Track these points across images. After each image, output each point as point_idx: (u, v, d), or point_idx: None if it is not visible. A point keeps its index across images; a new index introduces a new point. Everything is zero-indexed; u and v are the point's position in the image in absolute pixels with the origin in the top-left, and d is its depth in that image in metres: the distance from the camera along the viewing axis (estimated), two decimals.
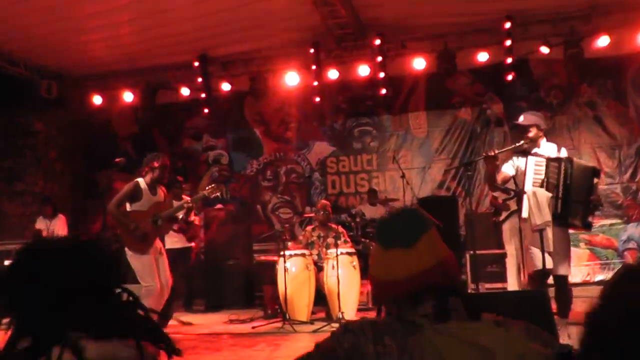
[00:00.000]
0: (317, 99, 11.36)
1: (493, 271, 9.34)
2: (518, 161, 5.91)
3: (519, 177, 5.83)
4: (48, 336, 1.57)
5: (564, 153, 5.89)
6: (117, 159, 8.06)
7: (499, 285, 9.04)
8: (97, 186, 12.88)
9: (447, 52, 10.41)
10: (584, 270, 10.63)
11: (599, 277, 10.62)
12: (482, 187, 11.24)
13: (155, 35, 10.15)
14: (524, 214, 5.59)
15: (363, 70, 10.92)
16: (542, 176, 5.65)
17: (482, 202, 11.29)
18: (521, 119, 6.07)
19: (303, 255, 8.43)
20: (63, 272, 1.65)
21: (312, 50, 10.68)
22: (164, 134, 13.28)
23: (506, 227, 7.48)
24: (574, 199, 5.55)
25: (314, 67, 10.74)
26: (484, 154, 5.98)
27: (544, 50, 10.02)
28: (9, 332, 1.62)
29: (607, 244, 10.84)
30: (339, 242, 8.67)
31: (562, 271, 5.60)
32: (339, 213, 11.01)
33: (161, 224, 6.95)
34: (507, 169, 5.97)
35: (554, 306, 4.79)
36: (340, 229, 9.25)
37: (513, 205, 6.23)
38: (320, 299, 8.56)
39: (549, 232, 5.45)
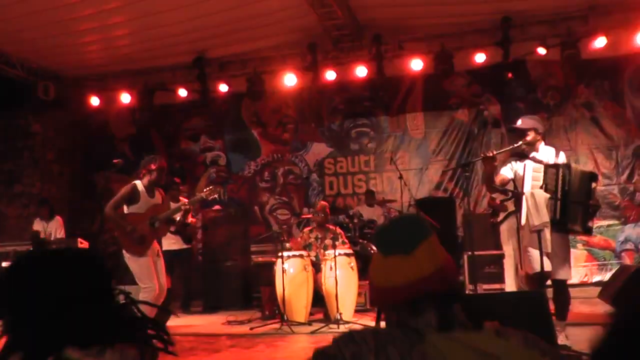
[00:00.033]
0: (315, 100, 11.36)
1: (491, 272, 9.34)
2: (516, 165, 5.91)
3: (517, 182, 5.84)
4: (42, 349, 1.56)
5: (562, 157, 5.89)
6: (114, 160, 8.06)
7: (497, 286, 9.04)
8: (95, 187, 12.89)
9: (444, 53, 10.40)
10: (582, 271, 10.64)
11: (597, 278, 10.63)
12: (479, 188, 11.26)
13: (153, 36, 10.15)
14: (523, 221, 5.60)
15: (360, 72, 10.91)
16: (540, 182, 5.66)
17: (479, 203, 11.30)
18: (519, 122, 6.07)
19: (301, 256, 8.43)
20: (58, 280, 1.65)
21: (309, 52, 10.68)
22: (161, 135, 13.29)
23: (504, 228, 7.46)
24: (573, 204, 5.55)
25: (310, 68, 10.73)
26: (482, 155, 5.97)
27: (541, 51, 10.03)
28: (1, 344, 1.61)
29: (605, 245, 10.86)
30: (336, 243, 8.67)
31: (561, 275, 5.61)
32: (336, 214, 11.02)
33: (158, 226, 6.94)
34: (506, 171, 5.97)
35: (552, 307, 4.79)
36: (338, 230, 9.25)
37: (511, 206, 6.23)
38: (318, 300, 8.57)
39: (547, 233, 5.46)
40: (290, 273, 8.23)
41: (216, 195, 7.38)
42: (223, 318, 8.95)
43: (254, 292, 10.37)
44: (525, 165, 5.80)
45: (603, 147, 11.11)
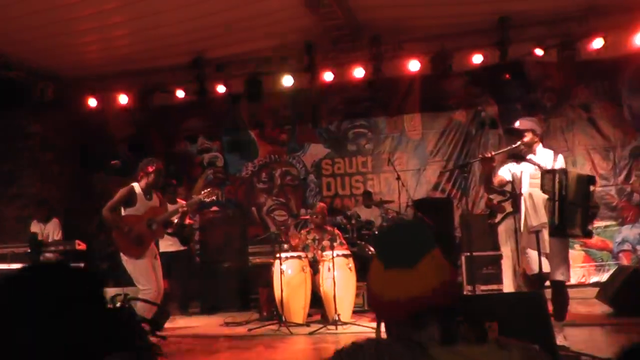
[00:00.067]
0: (313, 101, 11.37)
1: (489, 273, 9.35)
2: (514, 168, 5.92)
3: (515, 183, 5.84)
4: None
5: (560, 160, 5.89)
6: (112, 161, 8.08)
7: (495, 287, 9.05)
8: (94, 188, 12.86)
9: (442, 53, 10.41)
10: (579, 272, 10.65)
11: (594, 279, 10.65)
12: (477, 189, 11.27)
13: (151, 37, 10.13)
14: (522, 222, 5.61)
15: (358, 72, 10.91)
16: (538, 184, 5.66)
17: (477, 204, 11.31)
18: (517, 123, 6.08)
19: (299, 257, 8.43)
20: (44, 301, 1.58)
21: (307, 53, 10.68)
22: (159, 136, 13.27)
23: (502, 229, 7.48)
24: (571, 209, 5.55)
25: (308, 69, 10.73)
26: (481, 156, 5.98)
27: (539, 52, 10.04)
28: None
29: (602, 246, 10.87)
30: (334, 244, 8.67)
31: (559, 276, 5.61)
32: (334, 215, 11.02)
33: (156, 228, 6.94)
34: (504, 173, 5.98)
35: (550, 307, 4.80)
36: (336, 231, 9.26)
37: (508, 207, 6.23)
38: (316, 301, 8.57)
39: (545, 234, 5.46)
40: (288, 274, 8.23)
41: (214, 197, 7.38)
42: (221, 319, 8.95)
43: (251, 294, 10.35)
44: (522, 173, 5.81)
45: (600, 148, 11.12)
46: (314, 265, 8.71)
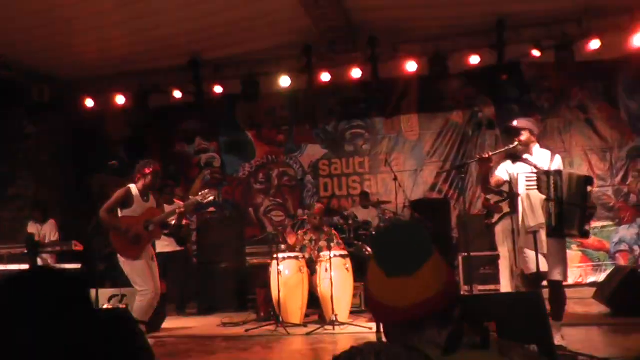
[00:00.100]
0: (310, 102, 11.38)
1: (486, 273, 9.36)
2: (511, 169, 5.92)
3: (513, 183, 5.84)
4: None
5: (557, 160, 5.89)
6: (110, 162, 8.06)
7: (492, 287, 9.06)
8: (90, 189, 12.84)
9: (438, 55, 10.41)
10: (576, 272, 10.67)
11: (591, 279, 10.68)
12: (474, 190, 11.28)
13: (148, 38, 10.13)
14: (520, 222, 5.62)
15: (355, 73, 10.91)
16: (534, 184, 5.66)
17: (474, 205, 11.33)
18: (514, 123, 6.09)
19: (296, 258, 8.43)
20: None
21: (304, 54, 10.68)
22: (156, 137, 13.27)
23: (499, 229, 7.49)
24: (568, 210, 5.56)
25: (305, 70, 10.73)
26: (478, 157, 5.99)
27: (536, 53, 10.05)
28: None
29: (599, 246, 10.90)
30: (332, 244, 8.67)
31: (557, 276, 5.62)
32: (331, 216, 11.02)
33: (152, 229, 6.94)
34: (501, 173, 5.98)
35: (547, 307, 4.81)
36: (333, 231, 9.26)
37: (506, 208, 6.23)
38: (314, 301, 8.57)
39: (543, 234, 5.47)
40: (285, 275, 8.23)
41: (212, 198, 7.36)
42: (218, 320, 8.95)
43: (248, 294, 10.36)
44: (518, 175, 5.81)
45: (597, 149, 11.15)
46: (311, 265, 8.71)
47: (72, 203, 12.45)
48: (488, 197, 7.80)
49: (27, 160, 12.17)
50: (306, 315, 8.54)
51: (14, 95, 11.30)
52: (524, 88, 11.45)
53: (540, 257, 5.39)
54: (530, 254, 5.48)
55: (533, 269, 5.42)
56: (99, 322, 1.65)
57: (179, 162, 13.13)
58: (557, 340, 5.21)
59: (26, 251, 9.28)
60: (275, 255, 8.37)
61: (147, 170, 6.94)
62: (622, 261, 10.76)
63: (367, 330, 7.33)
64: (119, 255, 6.83)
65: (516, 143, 5.89)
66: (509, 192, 5.87)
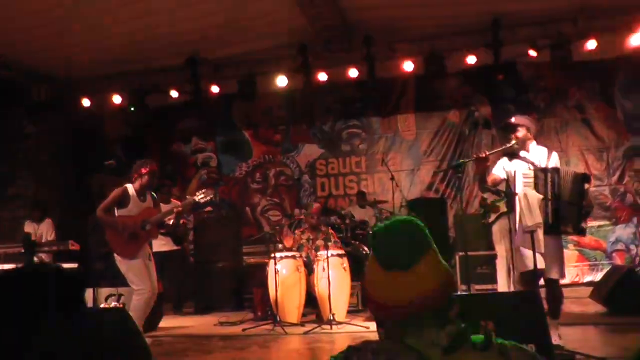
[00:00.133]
0: (306, 102, 11.39)
1: (483, 273, 9.36)
2: (508, 166, 5.92)
3: (510, 181, 5.85)
4: None
5: (555, 158, 5.90)
6: (108, 162, 8.06)
7: (489, 286, 9.07)
8: (89, 189, 12.82)
9: (435, 55, 10.41)
10: (573, 272, 10.69)
11: (588, 279, 10.70)
12: (471, 189, 11.30)
13: (145, 38, 10.12)
14: (517, 222, 5.62)
15: (352, 73, 10.91)
16: (532, 183, 5.67)
17: (471, 204, 11.33)
18: (512, 119, 6.10)
19: (294, 257, 8.43)
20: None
21: (300, 54, 10.68)
22: (154, 137, 13.27)
23: (496, 229, 7.52)
24: (565, 207, 5.56)
25: (302, 70, 10.72)
26: (475, 156, 5.99)
27: (532, 53, 10.06)
28: None
29: (596, 246, 10.92)
30: (329, 244, 8.67)
31: (554, 275, 5.62)
32: (328, 215, 11.02)
33: (150, 228, 6.93)
34: (498, 171, 5.98)
35: (545, 306, 4.82)
36: (330, 230, 9.26)
37: (503, 207, 6.24)
38: (311, 301, 8.56)
39: (540, 234, 5.47)
40: (283, 274, 8.23)
41: (209, 198, 7.35)
42: (215, 319, 8.94)
43: (245, 294, 10.36)
44: (515, 172, 5.81)
45: (594, 149, 11.18)
46: (309, 265, 8.71)
47: (71, 203, 12.43)
48: (485, 196, 7.82)
49: (27, 160, 12.16)
50: (304, 315, 8.54)
51: (13, 95, 11.29)
52: (520, 88, 11.47)
53: (538, 255, 5.39)
54: (528, 252, 5.48)
55: (530, 265, 5.43)
56: (89, 320, 1.64)
57: (176, 162, 13.13)
58: (555, 340, 5.22)
59: (23, 251, 9.27)
60: (272, 255, 8.36)
61: (144, 171, 6.95)
62: (619, 261, 10.78)
63: (364, 329, 7.34)
64: (116, 255, 6.82)
65: (513, 142, 5.89)
66: (507, 192, 5.87)
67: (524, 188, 5.64)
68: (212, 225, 11.74)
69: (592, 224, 10.62)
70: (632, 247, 10.87)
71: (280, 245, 9.04)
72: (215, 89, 11.56)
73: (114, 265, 6.90)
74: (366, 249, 9.39)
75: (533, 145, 5.96)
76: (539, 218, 5.46)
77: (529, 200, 5.51)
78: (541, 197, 5.51)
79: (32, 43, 10.03)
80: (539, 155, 5.90)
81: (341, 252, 8.57)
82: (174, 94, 11.64)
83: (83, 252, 9.41)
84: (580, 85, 11.31)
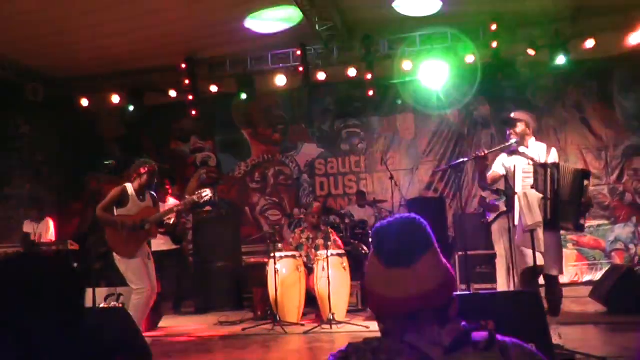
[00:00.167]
0: (305, 101, 11.40)
1: (482, 272, 9.36)
2: (508, 162, 5.93)
3: (510, 177, 5.85)
4: None
5: (554, 154, 5.91)
6: (106, 162, 8.04)
7: (489, 285, 9.05)
8: (85, 189, 12.84)
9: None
10: (572, 271, 10.71)
11: (587, 278, 10.71)
12: (469, 188, 11.30)
13: (143, 37, 10.11)
14: (516, 222, 5.62)
15: (350, 72, 10.91)
16: (531, 179, 5.68)
17: (470, 203, 11.33)
18: (512, 114, 6.11)
19: (293, 257, 8.42)
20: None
21: (299, 52, 10.69)
22: (151, 136, 13.27)
23: (495, 228, 7.50)
24: (564, 203, 5.57)
25: (301, 68, 10.73)
26: (474, 155, 5.99)
27: (531, 52, 10.06)
28: None
29: (595, 245, 10.93)
30: (329, 243, 8.66)
31: (553, 271, 5.64)
32: (327, 215, 11.02)
33: (149, 227, 6.93)
34: (497, 167, 5.99)
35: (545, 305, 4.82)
36: (330, 229, 9.25)
37: (502, 206, 6.24)
38: (310, 300, 8.56)
39: (540, 233, 5.48)
40: (282, 273, 8.22)
41: (208, 198, 7.33)
42: (215, 319, 8.93)
43: (245, 293, 10.35)
44: (515, 167, 5.82)
45: (593, 148, 11.19)
46: (307, 264, 8.71)
47: (67, 202, 12.43)
48: (484, 195, 7.82)
49: (22, 159, 12.16)
50: (303, 314, 8.53)
51: (8, 94, 11.27)
52: (519, 87, 11.46)
53: (538, 254, 5.40)
54: (528, 251, 5.49)
55: (530, 262, 5.44)
56: (89, 320, 1.65)
57: (174, 161, 13.11)
58: (554, 339, 5.21)
59: (22, 250, 9.27)
60: (272, 254, 8.36)
61: (143, 170, 6.96)
62: (617, 260, 10.79)
63: (364, 329, 7.33)
64: (114, 253, 6.82)
65: (512, 141, 5.90)
66: (506, 190, 5.88)
67: (523, 184, 5.64)
68: (211, 224, 11.72)
69: (590, 223, 10.65)
70: (631, 246, 10.88)
71: (279, 245, 9.04)
72: (213, 88, 11.56)
73: (113, 265, 6.90)
74: (365, 248, 9.39)
75: (532, 141, 5.98)
76: (539, 217, 5.46)
77: (528, 200, 5.52)
78: (541, 196, 5.52)
79: (27, 42, 10.03)
80: (538, 150, 5.92)
81: (341, 251, 8.56)
82: (172, 93, 11.63)
83: (81, 252, 9.42)
84: (579, 85, 11.32)
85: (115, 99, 11.85)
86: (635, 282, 7.66)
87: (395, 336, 1.70)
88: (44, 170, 12.44)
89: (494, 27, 9.91)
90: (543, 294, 5.32)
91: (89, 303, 7.69)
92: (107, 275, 8.57)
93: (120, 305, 7.62)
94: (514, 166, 5.80)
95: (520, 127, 5.91)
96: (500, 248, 7.48)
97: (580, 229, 5.82)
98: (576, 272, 10.83)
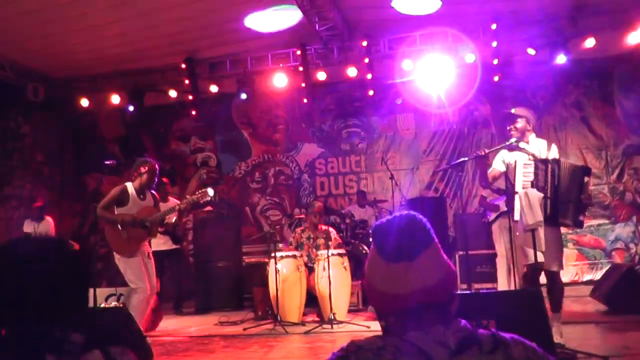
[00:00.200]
0: (305, 101, 11.39)
1: (483, 271, 9.36)
2: (508, 158, 5.92)
3: (510, 174, 5.84)
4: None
5: (554, 150, 5.90)
6: (107, 161, 8.05)
7: (490, 285, 9.06)
8: (85, 189, 12.84)
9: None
10: (572, 270, 10.71)
11: (587, 277, 10.70)
12: (470, 188, 11.30)
13: (143, 37, 10.12)
14: (516, 217, 5.61)
15: (351, 72, 10.91)
16: (531, 176, 5.67)
17: (470, 203, 11.33)
18: (513, 110, 6.11)
19: (294, 256, 8.41)
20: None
21: (299, 52, 10.69)
22: (151, 136, 13.27)
23: (495, 227, 7.51)
24: (564, 199, 5.56)
25: (301, 68, 10.74)
26: (475, 154, 5.99)
27: (531, 51, 10.06)
28: None
29: (595, 244, 10.93)
30: (329, 243, 8.66)
31: (554, 267, 5.63)
32: (328, 214, 11.02)
33: (149, 227, 6.93)
34: (497, 164, 5.97)
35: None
36: (330, 229, 9.24)
37: (502, 206, 6.23)
38: (311, 300, 8.56)
39: (541, 232, 5.47)
40: (283, 273, 8.21)
41: (208, 198, 7.33)
42: (215, 319, 8.92)
43: (245, 293, 10.34)
44: (515, 162, 5.81)
45: (593, 147, 11.19)
46: (308, 264, 8.71)
47: (67, 202, 12.43)
48: (484, 194, 7.82)
49: (23, 159, 12.16)
50: (304, 314, 8.53)
51: (8, 95, 11.27)
52: (519, 86, 11.45)
53: (539, 252, 5.40)
54: (529, 249, 5.49)
55: (531, 259, 5.43)
56: (91, 320, 1.66)
57: (174, 161, 13.11)
58: (556, 338, 5.22)
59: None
60: (273, 254, 8.35)
61: (143, 169, 6.97)
62: (618, 259, 10.78)
63: (365, 328, 7.33)
64: (114, 253, 6.82)
65: (512, 140, 5.89)
66: (506, 189, 5.87)
67: (523, 179, 5.63)
68: (211, 224, 11.70)
69: (591, 222, 10.65)
70: (632, 245, 10.87)
71: (280, 244, 9.04)
72: (213, 88, 11.56)
73: (113, 265, 6.91)
74: (366, 248, 9.39)
75: (532, 137, 5.97)
76: (539, 216, 5.46)
77: (529, 199, 5.52)
78: (542, 195, 5.52)
79: (27, 42, 10.04)
80: (539, 146, 5.91)
81: (342, 251, 8.56)
82: (172, 93, 11.63)
83: (80, 252, 9.41)
84: (579, 84, 11.32)
85: (115, 99, 11.85)
86: (636, 282, 7.66)
87: (397, 334, 1.69)
88: (44, 170, 12.44)
89: (494, 26, 9.92)
90: (545, 294, 5.31)
91: (89, 303, 7.68)
92: (108, 275, 8.58)
93: (121, 305, 7.61)
94: (515, 162, 5.79)
95: (520, 123, 5.90)
96: (500, 247, 7.49)
97: (579, 225, 5.81)
98: (577, 271, 10.83)
